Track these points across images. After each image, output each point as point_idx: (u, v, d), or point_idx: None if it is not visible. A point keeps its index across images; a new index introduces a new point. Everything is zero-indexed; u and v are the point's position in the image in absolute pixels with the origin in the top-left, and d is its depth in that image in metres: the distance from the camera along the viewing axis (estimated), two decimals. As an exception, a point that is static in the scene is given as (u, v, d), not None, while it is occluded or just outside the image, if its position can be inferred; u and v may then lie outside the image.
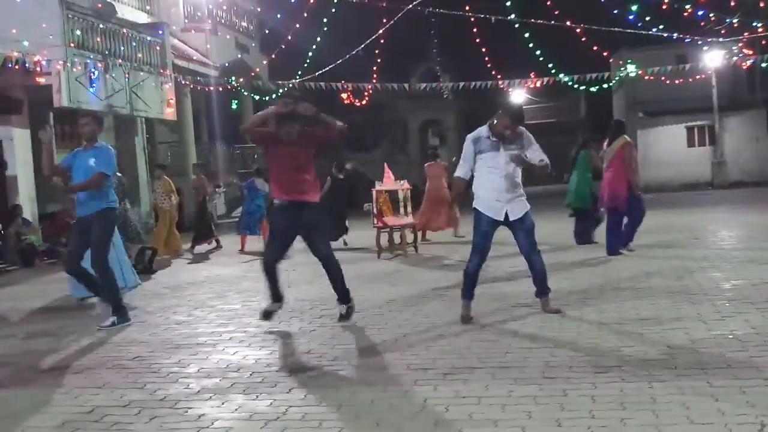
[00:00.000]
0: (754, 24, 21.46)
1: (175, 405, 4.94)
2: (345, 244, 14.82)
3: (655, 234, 13.56)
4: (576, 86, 25.52)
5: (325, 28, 21.58)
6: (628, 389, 4.63)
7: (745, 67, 28.00)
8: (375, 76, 23.77)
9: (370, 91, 24.58)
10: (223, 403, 4.93)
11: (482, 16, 20.45)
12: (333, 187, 14.48)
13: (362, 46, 22.16)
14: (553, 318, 6.81)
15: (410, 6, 20.02)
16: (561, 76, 23.35)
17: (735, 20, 21.70)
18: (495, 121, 6.88)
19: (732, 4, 21.44)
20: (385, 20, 21.29)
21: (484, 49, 23.29)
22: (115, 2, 19.64)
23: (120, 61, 17.99)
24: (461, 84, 24.87)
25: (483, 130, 6.97)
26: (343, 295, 7.32)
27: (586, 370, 5.08)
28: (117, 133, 20.50)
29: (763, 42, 23.39)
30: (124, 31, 18.47)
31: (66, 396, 5.30)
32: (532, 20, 20.62)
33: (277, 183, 7.24)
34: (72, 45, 16.21)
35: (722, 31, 23.67)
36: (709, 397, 4.41)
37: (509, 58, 27.03)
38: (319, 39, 21.80)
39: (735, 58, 25.73)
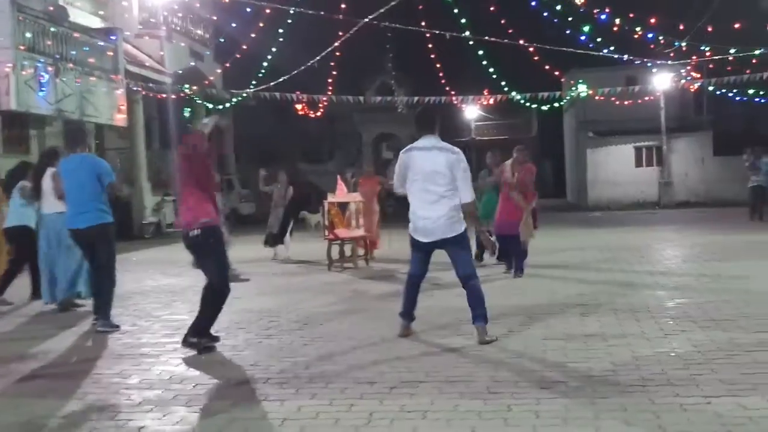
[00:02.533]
0: (702, 48, 22.02)
1: (115, 416, 4.84)
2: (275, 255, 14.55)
3: (603, 252, 13.78)
4: (528, 104, 25.87)
5: (281, 39, 21.56)
6: (572, 405, 4.67)
7: (692, 90, 28.75)
8: (330, 88, 23.80)
9: (325, 103, 24.59)
10: (164, 416, 4.84)
11: (437, 32, 20.65)
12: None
13: (318, 57, 22.17)
14: (500, 333, 6.83)
15: (366, 20, 20.08)
16: (513, 94, 23.67)
17: (684, 44, 22.21)
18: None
19: (681, 27, 21.98)
20: (341, 33, 21.35)
21: (438, 65, 23.52)
22: (68, 6, 19.35)
23: (71, 65, 17.72)
24: (416, 98, 25.02)
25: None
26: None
27: (531, 386, 5.12)
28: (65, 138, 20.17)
29: (711, 66, 24.02)
30: (77, 35, 18.22)
31: (3, 404, 5.17)
32: (487, 38, 20.87)
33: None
34: (22, 48, 15.92)
35: (671, 54, 24.27)
36: (651, 413, 4.46)
37: (463, 74, 27.33)
38: (274, 49, 21.77)
39: (683, 81, 26.41)
